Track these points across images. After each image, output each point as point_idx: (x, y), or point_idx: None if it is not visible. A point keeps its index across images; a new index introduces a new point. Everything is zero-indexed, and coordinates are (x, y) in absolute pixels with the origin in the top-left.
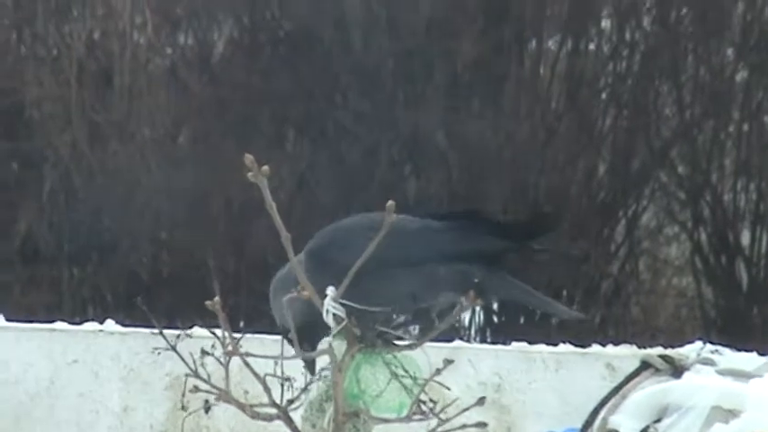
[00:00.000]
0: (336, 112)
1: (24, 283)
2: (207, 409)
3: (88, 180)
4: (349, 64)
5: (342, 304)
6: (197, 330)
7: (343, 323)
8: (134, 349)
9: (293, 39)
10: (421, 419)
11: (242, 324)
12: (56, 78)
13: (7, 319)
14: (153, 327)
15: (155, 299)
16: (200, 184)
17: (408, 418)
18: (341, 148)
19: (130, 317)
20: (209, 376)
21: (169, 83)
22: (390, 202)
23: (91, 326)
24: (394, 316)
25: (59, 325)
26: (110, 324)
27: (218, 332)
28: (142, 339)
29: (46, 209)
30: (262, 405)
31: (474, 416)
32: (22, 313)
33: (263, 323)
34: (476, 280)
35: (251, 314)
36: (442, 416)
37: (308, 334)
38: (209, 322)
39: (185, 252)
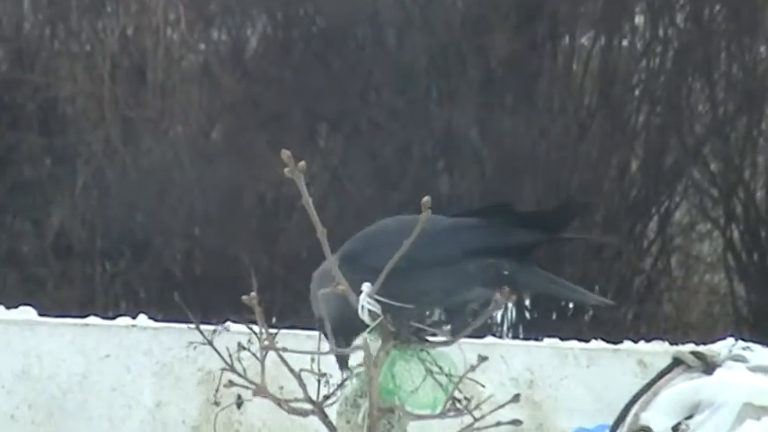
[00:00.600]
0: (369, 108)
1: (57, 279)
2: (239, 404)
3: (121, 176)
4: (382, 60)
5: (377, 301)
6: (231, 325)
7: (379, 319)
8: (167, 344)
9: (326, 35)
10: (455, 416)
11: (275, 320)
12: (89, 74)
13: (40, 314)
14: (186, 322)
15: (188, 295)
16: (233, 181)
17: (443, 415)
18: (374, 144)
19: (163, 312)
20: (244, 371)
21: (202, 79)
22: (426, 198)
23: (124, 321)
24: (427, 312)
25: (92, 320)
26: (142, 319)
27: (255, 328)
28: (175, 334)
29: (79, 205)
30: (297, 400)
31: (507, 412)
32: (55, 308)
33: (296, 319)
34: (506, 272)
35: (284, 310)
36: (476, 413)
37: (343, 330)
38: (243, 318)
39: (218, 248)
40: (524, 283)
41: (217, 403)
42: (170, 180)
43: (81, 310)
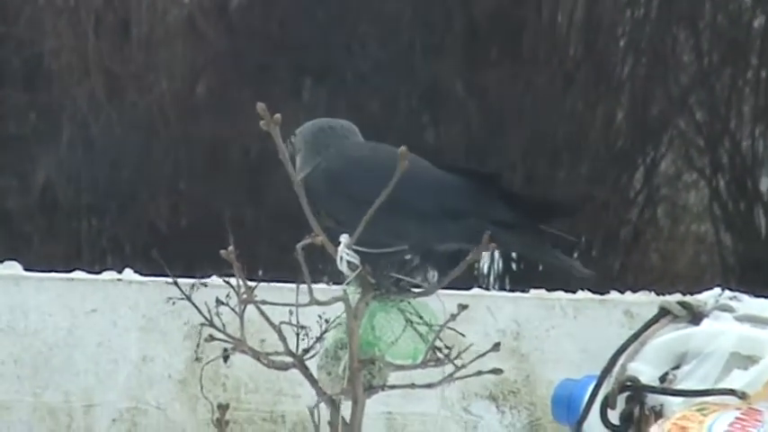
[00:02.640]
0: (354, 61)
1: (43, 234)
2: (225, 358)
3: (106, 131)
4: (367, 13)
5: (356, 251)
6: (213, 280)
7: (358, 270)
8: (152, 298)
9: None
10: (435, 366)
11: (261, 274)
12: (73, 29)
13: (26, 269)
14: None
15: (173, 249)
16: (218, 135)
17: (424, 365)
18: (359, 97)
19: (149, 267)
20: (224, 326)
21: (186, 33)
22: (403, 148)
23: (109, 275)
24: (407, 257)
25: (78, 274)
26: (128, 273)
27: (233, 281)
28: (160, 289)
29: (64, 160)
30: (277, 354)
31: (492, 363)
32: (41, 264)
33: (281, 273)
34: (488, 232)
35: (269, 264)
36: (458, 362)
37: None
38: (227, 272)
39: (204, 202)
40: (505, 243)
41: (198, 359)
42: (155, 134)
43: (67, 265)
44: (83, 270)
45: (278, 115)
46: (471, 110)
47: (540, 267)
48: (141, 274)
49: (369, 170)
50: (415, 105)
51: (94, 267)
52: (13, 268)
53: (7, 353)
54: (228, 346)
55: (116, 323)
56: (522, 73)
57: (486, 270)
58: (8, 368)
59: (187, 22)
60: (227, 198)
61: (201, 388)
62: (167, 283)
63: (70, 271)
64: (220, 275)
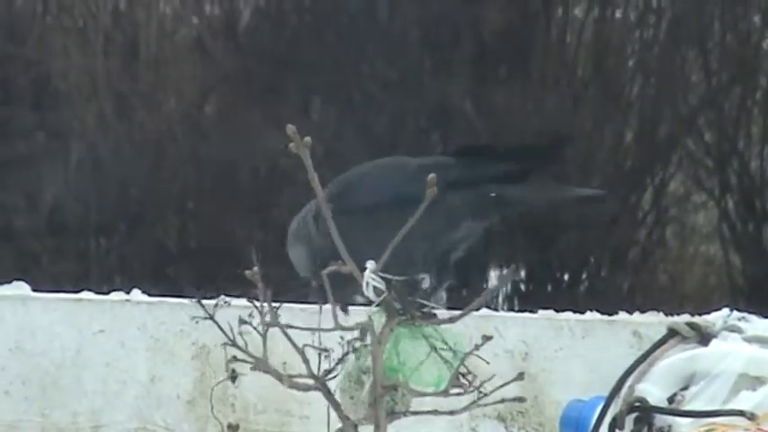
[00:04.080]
0: (363, 80)
1: (51, 254)
2: (233, 378)
3: (115, 151)
4: (375, 32)
5: (381, 277)
6: (229, 299)
7: (384, 296)
8: (160, 319)
9: (319, 7)
10: (459, 394)
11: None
12: (82, 49)
13: (34, 290)
14: (179, 297)
15: (182, 269)
16: (227, 154)
17: (446, 392)
18: (367, 116)
19: (157, 287)
20: (245, 345)
21: (195, 53)
22: (432, 175)
23: (117, 296)
24: (423, 278)
25: (86, 295)
26: (136, 294)
27: (255, 302)
28: (169, 309)
29: (72, 180)
30: (300, 376)
31: (500, 383)
32: (49, 283)
33: (288, 293)
34: (492, 194)
35: (277, 284)
36: (481, 389)
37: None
38: (240, 292)
39: (212, 222)
40: (515, 199)
41: (233, 378)
42: (163, 154)
43: (75, 285)
44: (90, 290)
45: (308, 138)
46: (480, 129)
47: (549, 288)
48: (149, 295)
49: (362, 184)
50: (424, 125)
51: (102, 288)
52: (21, 288)
53: (15, 373)
54: (241, 366)
55: (124, 344)
56: (530, 93)
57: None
58: (16, 388)
59: (196, 41)
60: (236, 218)
61: (212, 408)
62: (186, 303)
63: (78, 291)
64: (237, 295)
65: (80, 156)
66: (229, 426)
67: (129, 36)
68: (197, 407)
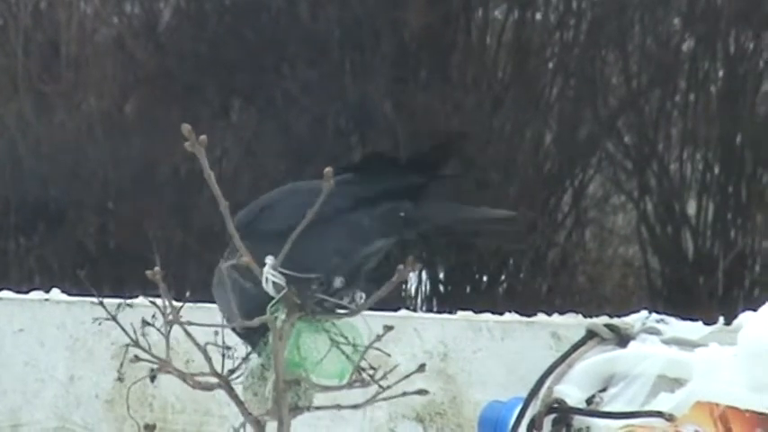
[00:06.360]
0: (283, 81)
1: None
2: (152, 378)
3: (35, 150)
4: (296, 33)
5: (281, 273)
6: (141, 300)
7: (283, 291)
8: (80, 318)
9: (240, 7)
10: (362, 386)
11: (188, 294)
12: (2, 48)
13: None
14: (100, 297)
15: (101, 269)
16: (147, 154)
17: (349, 386)
18: (288, 117)
19: (77, 286)
20: (150, 346)
21: (116, 53)
22: (328, 169)
23: (37, 295)
24: (332, 279)
25: (5, 294)
26: (56, 293)
27: (159, 302)
28: (88, 309)
29: None
30: (203, 374)
31: (419, 384)
32: None
33: (208, 293)
34: (402, 214)
35: (197, 284)
36: (384, 383)
37: (258, 312)
38: (155, 293)
39: (132, 222)
40: (423, 218)
41: (120, 379)
42: (83, 154)
43: None
44: (10, 289)
45: (203, 136)
46: (400, 131)
47: (468, 289)
48: (69, 294)
49: (272, 206)
50: (344, 126)
51: (22, 287)
52: None
53: None
54: (154, 366)
55: (43, 343)
56: (450, 95)
57: (413, 292)
58: None
59: (116, 41)
60: (156, 218)
61: (128, 408)
62: (94, 303)
63: None
64: (147, 296)
65: (0, 155)
66: (146, 426)
67: (49, 35)
68: (116, 406)
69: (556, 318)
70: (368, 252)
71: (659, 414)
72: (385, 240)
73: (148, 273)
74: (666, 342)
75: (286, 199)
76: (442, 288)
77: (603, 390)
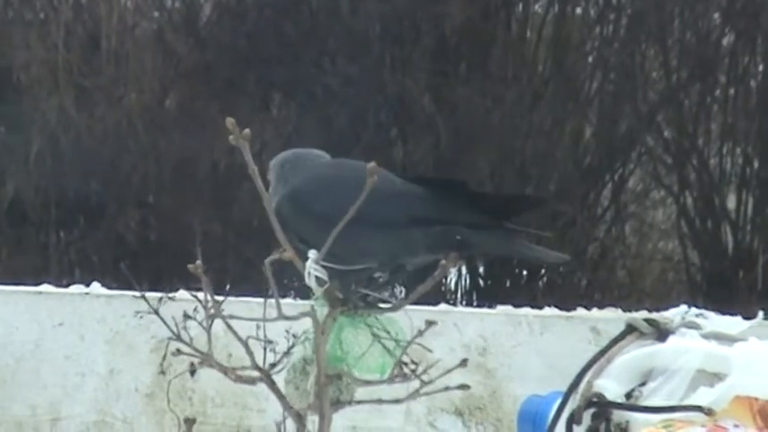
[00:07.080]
0: (323, 75)
1: (12, 247)
2: (192, 372)
3: (75, 144)
4: (336, 27)
5: (324, 267)
6: (181, 294)
7: (326, 285)
8: (120, 312)
9: (280, 1)
10: (402, 381)
11: (228, 288)
12: (43, 42)
13: None
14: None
15: (141, 263)
16: (187, 148)
17: (390, 380)
18: (328, 111)
19: (117, 280)
20: (191, 340)
21: (156, 47)
22: (372, 163)
23: (77, 289)
24: (375, 275)
25: (46, 288)
26: (96, 287)
27: (201, 296)
28: (128, 302)
29: (33, 173)
30: (245, 368)
31: (458, 378)
32: (9, 277)
33: (248, 287)
34: (458, 237)
35: (236, 278)
36: (425, 377)
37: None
38: (194, 286)
39: (172, 216)
40: (478, 246)
41: (163, 373)
42: (124, 148)
43: (35, 278)
44: (50, 283)
45: (247, 130)
46: (440, 125)
47: (508, 284)
48: (109, 288)
49: (331, 187)
50: (384, 120)
51: (62, 281)
52: None
53: None
54: (195, 360)
55: (83, 336)
56: (490, 89)
57: (453, 286)
58: None
59: (156, 35)
60: (196, 212)
61: (168, 402)
62: (135, 297)
63: (38, 284)
64: (188, 289)
65: (41, 149)
66: (186, 419)
67: (89, 29)
68: (155, 400)
69: (595, 312)
70: (412, 262)
71: (698, 408)
72: (433, 256)
73: (190, 266)
74: (706, 336)
75: (342, 183)
76: (481, 282)
77: (643, 384)
